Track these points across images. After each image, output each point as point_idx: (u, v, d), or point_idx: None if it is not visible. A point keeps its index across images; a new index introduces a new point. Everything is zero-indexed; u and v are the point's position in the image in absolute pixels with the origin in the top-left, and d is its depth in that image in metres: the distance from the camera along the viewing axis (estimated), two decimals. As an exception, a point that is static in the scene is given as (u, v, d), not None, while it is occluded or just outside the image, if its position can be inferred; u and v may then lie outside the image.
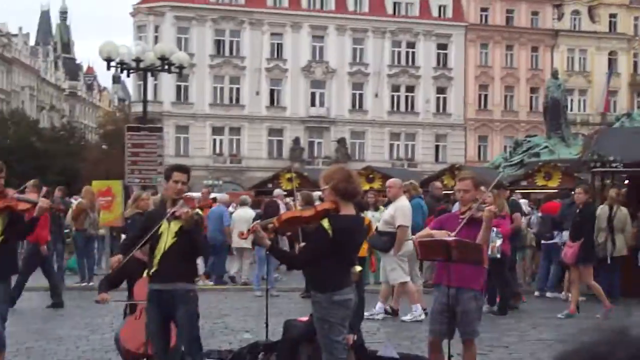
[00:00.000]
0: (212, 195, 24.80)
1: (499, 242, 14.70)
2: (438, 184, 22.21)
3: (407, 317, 14.44)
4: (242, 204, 21.18)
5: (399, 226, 13.88)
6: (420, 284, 15.34)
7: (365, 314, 14.10)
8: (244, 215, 19.86)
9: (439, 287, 8.56)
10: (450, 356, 8.15)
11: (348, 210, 7.07)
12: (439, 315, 8.47)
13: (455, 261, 7.94)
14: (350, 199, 7.12)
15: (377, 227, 14.75)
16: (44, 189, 10.51)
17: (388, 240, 14.12)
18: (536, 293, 18.64)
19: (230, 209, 22.64)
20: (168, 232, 7.74)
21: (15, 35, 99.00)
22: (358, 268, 9.01)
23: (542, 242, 18.88)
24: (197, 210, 7.88)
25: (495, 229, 14.53)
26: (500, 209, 15.08)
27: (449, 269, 8.10)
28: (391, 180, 15.36)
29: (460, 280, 8.22)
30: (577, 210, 15.76)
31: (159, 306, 7.79)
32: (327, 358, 7.05)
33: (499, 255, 14.53)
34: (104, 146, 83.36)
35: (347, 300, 7.04)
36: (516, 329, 13.98)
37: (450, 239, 7.88)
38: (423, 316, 14.16)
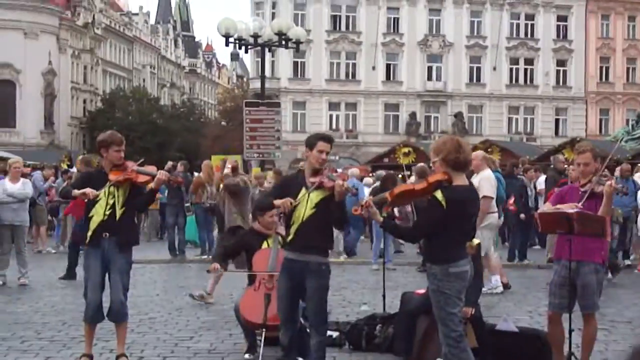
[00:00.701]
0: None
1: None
2: (560, 157, 21.79)
3: (484, 289, 14.21)
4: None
5: (483, 197, 13.49)
6: (496, 256, 15.00)
7: (484, 289, 13.97)
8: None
9: (559, 261, 8.41)
10: (570, 330, 8.00)
11: (460, 180, 6.97)
12: (559, 288, 8.33)
13: (577, 234, 7.79)
14: (462, 170, 7.00)
15: None
16: (170, 163, 10.73)
17: None
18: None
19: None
20: (308, 202, 7.69)
21: (136, 14, 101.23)
22: (476, 241, 8.89)
23: None
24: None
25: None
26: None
27: (571, 241, 7.96)
28: (474, 153, 15.11)
29: (581, 253, 8.07)
30: None
31: (290, 275, 7.80)
32: (443, 330, 6.99)
33: None
34: (223, 122, 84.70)
35: (463, 272, 6.96)
36: (638, 304, 13.65)
37: (572, 210, 7.73)
38: (500, 288, 13.99)
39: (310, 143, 7.83)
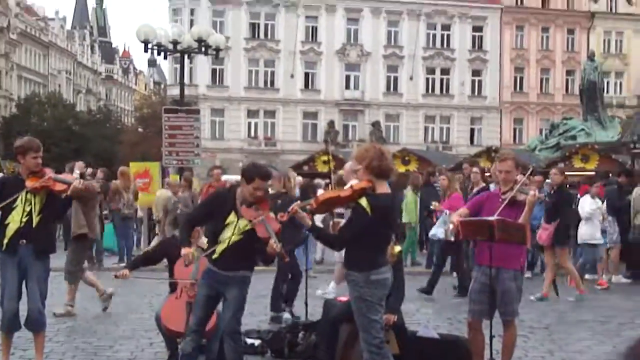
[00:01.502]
0: (225, 177, 24.78)
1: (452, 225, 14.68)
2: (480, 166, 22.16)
3: (319, 292, 14.48)
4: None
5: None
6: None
7: (319, 291, 14.19)
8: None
9: (479, 267, 8.51)
10: (491, 337, 8.10)
11: (383, 188, 7.01)
12: (479, 295, 8.42)
13: (498, 241, 7.88)
14: (384, 177, 7.06)
15: None
16: (87, 169, 10.54)
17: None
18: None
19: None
20: (235, 228, 7.69)
21: (52, 19, 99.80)
22: (397, 248, 8.96)
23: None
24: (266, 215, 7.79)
25: (447, 211, 14.59)
26: (452, 190, 15.15)
27: (491, 249, 8.05)
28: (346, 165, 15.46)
29: (501, 260, 8.17)
30: (552, 192, 15.63)
31: (211, 285, 7.83)
32: (364, 337, 7.01)
33: (452, 238, 14.51)
34: (140, 129, 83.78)
35: (384, 279, 7.00)
36: (556, 310, 13.91)
37: (494, 218, 7.83)
38: (332, 295, 14.22)
39: (248, 176, 7.69)
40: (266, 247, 7.51)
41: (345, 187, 7.23)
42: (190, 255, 7.65)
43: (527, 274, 16.03)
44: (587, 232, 16.76)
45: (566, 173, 27.48)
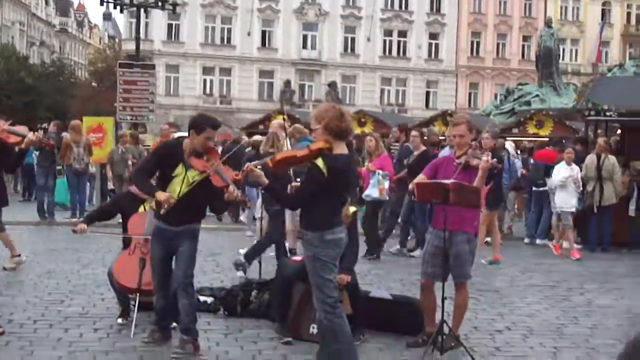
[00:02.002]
0: (178, 134, 24.61)
1: (386, 184, 14.83)
2: (434, 129, 22.18)
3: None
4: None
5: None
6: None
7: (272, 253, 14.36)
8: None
9: (433, 230, 8.55)
10: (443, 298, 8.15)
11: (341, 149, 6.98)
12: (432, 257, 8.46)
13: (453, 204, 7.92)
14: (342, 138, 7.03)
15: None
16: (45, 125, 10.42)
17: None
18: (526, 240, 18.74)
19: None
20: (183, 180, 7.67)
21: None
22: (352, 209, 8.97)
23: (534, 189, 18.86)
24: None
25: (380, 171, 14.71)
26: (380, 150, 15.22)
27: (445, 211, 8.09)
28: (274, 122, 15.77)
29: (455, 224, 8.22)
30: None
31: (163, 241, 7.86)
32: (318, 296, 7.02)
33: (387, 197, 14.69)
34: (93, 84, 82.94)
35: (338, 239, 6.99)
36: (506, 274, 14.04)
37: (449, 181, 7.85)
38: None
39: (198, 126, 7.68)
40: (223, 195, 7.53)
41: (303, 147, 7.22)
42: (171, 199, 7.57)
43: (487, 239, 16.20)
44: (563, 199, 16.92)
45: (520, 139, 27.85)
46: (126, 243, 9.43)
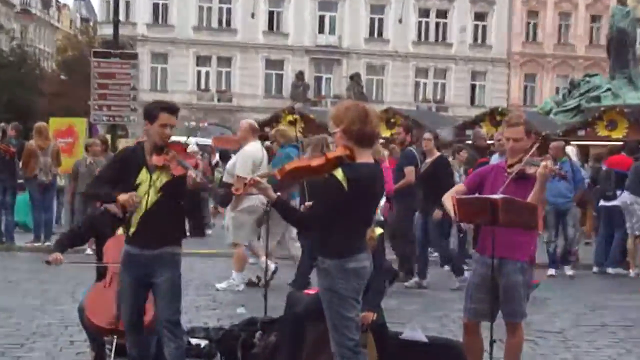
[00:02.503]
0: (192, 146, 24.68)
1: (382, 201, 14.83)
2: (482, 132, 22.16)
3: (222, 285, 14.77)
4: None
5: (236, 176, 14.26)
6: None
7: (219, 285, 14.71)
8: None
9: (479, 257, 8.51)
10: (492, 342, 8.11)
11: (365, 157, 6.95)
12: (478, 291, 8.41)
13: (503, 224, 7.87)
14: (367, 145, 7.00)
15: (221, 177, 15.61)
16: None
17: (225, 194, 14.78)
18: (594, 269, 18.57)
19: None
20: (150, 186, 7.67)
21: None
22: (379, 230, 8.96)
23: (602, 203, 18.62)
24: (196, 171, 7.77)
25: None
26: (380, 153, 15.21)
27: (494, 234, 8.05)
28: (242, 121, 15.75)
29: (506, 249, 8.16)
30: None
31: (135, 271, 7.80)
32: (336, 339, 6.99)
33: (382, 218, 14.66)
34: (63, 76, 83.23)
35: (362, 268, 6.96)
36: (571, 311, 13.97)
37: (498, 196, 7.80)
38: (241, 287, 14.64)
39: (150, 114, 7.80)
40: (193, 207, 7.57)
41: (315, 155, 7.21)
42: (134, 196, 7.57)
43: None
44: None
45: (587, 143, 27.78)
46: (101, 273, 9.43)
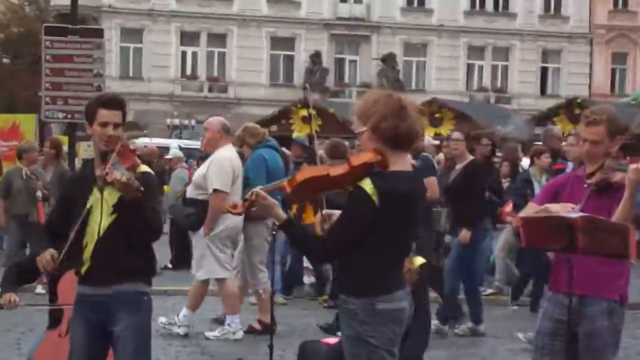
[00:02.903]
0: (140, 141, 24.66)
1: None
2: (556, 129, 22.10)
3: (215, 334, 14.75)
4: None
5: (213, 190, 14.20)
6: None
7: (213, 334, 14.71)
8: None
9: (552, 295, 8.47)
10: (569, 407, 8.08)
11: (401, 163, 6.90)
12: (551, 339, 8.40)
13: (583, 252, 7.83)
14: (404, 147, 6.95)
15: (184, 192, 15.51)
16: None
17: (195, 213, 14.62)
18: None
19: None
20: (102, 207, 7.69)
21: None
22: (419, 260, 8.98)
23: None
24: (144, 168, 7.77)
25: None
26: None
27: (572, 265, 8.01)
28: (210, 120, 15.72)
29: (587, 284, 8.13)
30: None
31: (89, 317, 7.81)
32: None
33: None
34: (5, 59, 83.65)
35: (399, 310, 6.93)
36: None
37: (576, 215, 7.73)
38: (240, 334, 14.56)
39: (88, 113, 7.85)
40: (141, 218, 7.52)
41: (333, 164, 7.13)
42: (49, 260, 7.55)
43: None
44: None
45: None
46: (55, 318, 9.45)
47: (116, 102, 7.88)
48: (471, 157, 15.35)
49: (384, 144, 6.78)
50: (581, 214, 7.72)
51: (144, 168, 7.85)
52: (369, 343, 6.78)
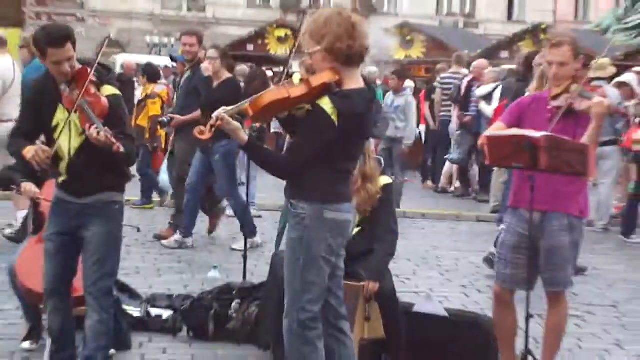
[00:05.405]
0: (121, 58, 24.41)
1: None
2: (525, 51, 22.17)
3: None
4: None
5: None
6: None
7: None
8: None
9: (514, 211, 8.49)
10: (528, 316, 8.11)
11: (355, 81, 6.89)
12: (513, 252, 8.42)
13: (545, 170, 7.84)
14: (356, 64, 6.92)
15: None
16: None
17: None
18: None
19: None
20: (72, 127, 7.63)
21: None
22: (385, 179, 8.96)
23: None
24: (110, 90, 7.70)
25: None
26: None
27: (534, 182, 8.02)
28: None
29: (548, 200, 8.16)
30: None
31: (63, 222, 7.84)
32: (288, 306, 6.90)
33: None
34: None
35: (344, 222, 6.97)
36: (628, 280, 14.02)
37: (539, 134, 7.75)
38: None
39: (38, 49, 7.67)
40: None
41: (296, 81, 7.06)
42: (40, 151, 7.48)
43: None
44: None
45: None
46: (37, 225, 9.42)
47: (63, 38, 7.60)
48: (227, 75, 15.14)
49: (339, 63, 6.76)
50: (544, 133, 7.73)
51: (111, 90, 7.75)
52: (309, 247, 6.82)
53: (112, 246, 7.84)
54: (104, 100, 7.50)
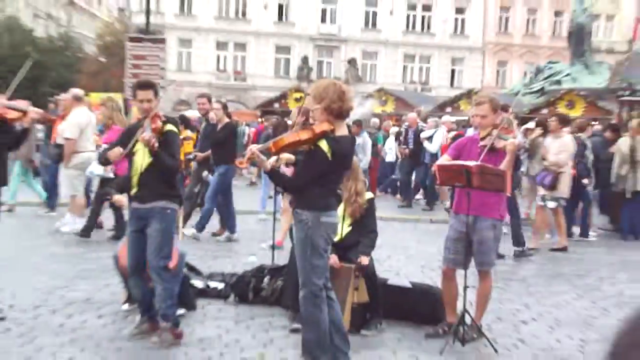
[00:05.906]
0: (189, 113, 24.36)
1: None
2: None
3: (66, 228, 15.03)
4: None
5: (65, 138, 15.04)
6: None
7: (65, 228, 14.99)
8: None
9: (456, 215, 8.54)
10: (465, 287, 8.15)
11: (342, 130, 7.06)
12: (454, 243, 8.49)
13: (476, 187, 7.90)
14: (344, 118, 7.10)
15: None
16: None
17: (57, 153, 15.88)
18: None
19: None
20: (144, 151, 7.85)
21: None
22: (369, 195, 9.01)
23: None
24: (169, 127, 7.91)
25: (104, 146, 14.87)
26: (114, 121, 15.00)
27: (469, 196, 8.08)
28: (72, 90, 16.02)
29: (479, 208, 8.22)
30: None
31: (135, 223, 7.99)
32: (304, 282, 6.97)
33: (112, 175, 14.61)
34: (101, 58, 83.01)
35: (333, 224, 7.09)
36: (533, 262, 14.02)
37: (472, 163, 7.82)
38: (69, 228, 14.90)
39: (132, 93, 8.14)
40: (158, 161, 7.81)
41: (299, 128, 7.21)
42: (121, 201, 7.74)
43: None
44: None
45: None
46: (120, 226, 9.44)
47: (147, 84, 8.13)
48: (227, 120, 15.06)
49: (333, 117, 6.88)
50: (476, 162, 7.82)
51: (169, 127, 7.98)
52: (313, 242, 6.92)
53: (163, 238, 7.89)
54: (160, 124, 7.84)
